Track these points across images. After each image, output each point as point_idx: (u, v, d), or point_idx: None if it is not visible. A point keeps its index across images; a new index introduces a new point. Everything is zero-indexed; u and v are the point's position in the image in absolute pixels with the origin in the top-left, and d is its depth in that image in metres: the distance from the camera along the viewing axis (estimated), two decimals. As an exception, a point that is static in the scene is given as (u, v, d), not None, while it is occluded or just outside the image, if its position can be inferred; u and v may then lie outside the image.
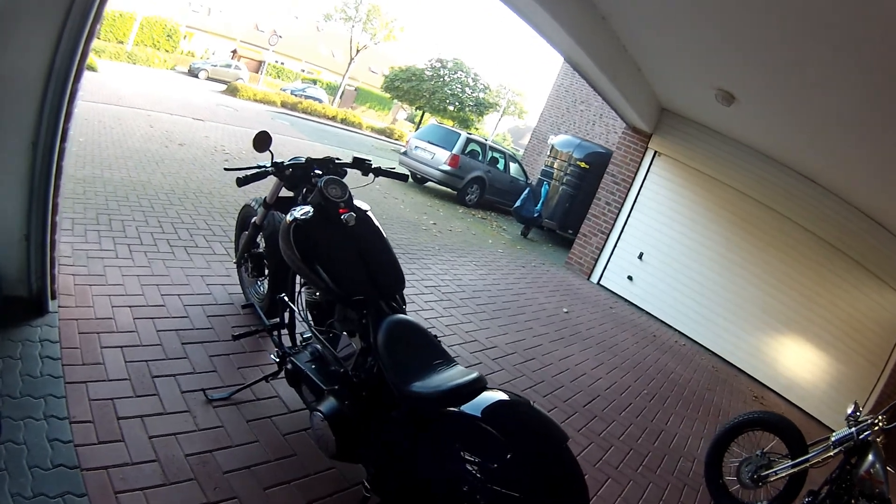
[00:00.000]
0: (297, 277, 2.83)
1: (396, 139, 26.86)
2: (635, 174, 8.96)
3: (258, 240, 3.47)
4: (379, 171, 3.13)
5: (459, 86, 29.95)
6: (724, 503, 3.74)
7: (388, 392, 2.12)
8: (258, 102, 21.24)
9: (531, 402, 2.02)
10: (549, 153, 12.37)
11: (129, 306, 3.25)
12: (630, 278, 8.88)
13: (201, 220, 5.18)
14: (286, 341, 2.86)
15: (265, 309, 3.39)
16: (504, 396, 2.00)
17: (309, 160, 2.92)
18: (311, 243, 2.43)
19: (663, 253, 8.67)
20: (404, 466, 2.08)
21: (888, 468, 3.16)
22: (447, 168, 12.17)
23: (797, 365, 7.84)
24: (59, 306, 3.02)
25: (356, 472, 2.53)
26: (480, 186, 12.84)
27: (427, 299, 5.30)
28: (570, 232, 11.48)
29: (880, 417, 3.19)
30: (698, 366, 7.11)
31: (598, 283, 9.21)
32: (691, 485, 3.90)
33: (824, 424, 7.27)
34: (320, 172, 2.83)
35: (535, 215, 11.30)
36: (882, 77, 3.92)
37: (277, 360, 2.70)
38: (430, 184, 13.37)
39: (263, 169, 2.88)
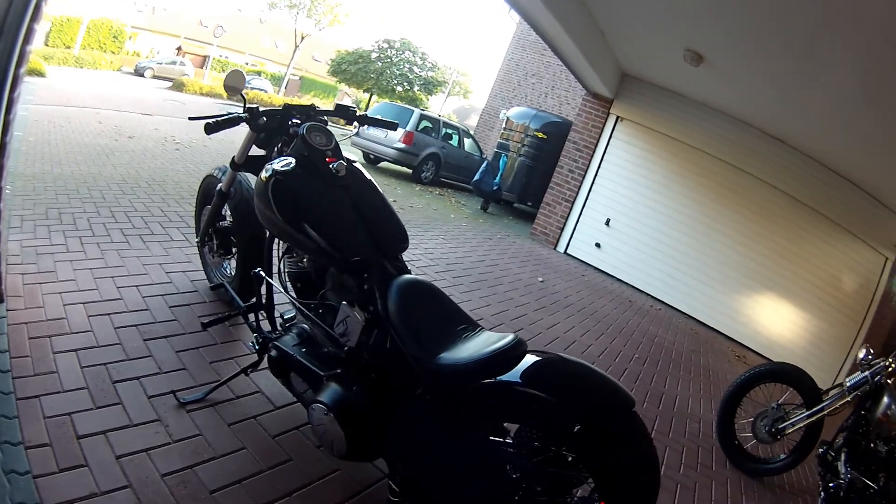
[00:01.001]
0: (276, 247, 2.36)
1: (343, 125, 25.93)
2: (598, 140, 8.68)
3: (224, 211, 2.96)
4: (365, 119, 2.68)
5: (408, 65, 29.10)
6: (740, 461, 3.55)
7: (403, 369, 1.74)
8: (205, 96, 20.73)
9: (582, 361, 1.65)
10: (504, 126, 12.00)
11: (83, 303, 2.72)
12: (598, 245, 8.64)
13: (155, 207, 4.62)
14: (264, 326, 2.41)
15: (235, 292, 2.91)
16: (552, 357, 1.64)
17: (287, 107, 2.43)
18: (295, 200, 1.99)
19: (631, 218, 8.44)
20: (438, 460, 1.69)
21: None
22: (402, 146, 11.64)
23: (776, 324, 7.80)
24: (7, 310, 2.48)
25: (365, 471, 2.14)
26: (436, 163, 12.37)
27: (403, 275, 4.89)
28: (529, 204, 11.23)
29: (891, 360, 3.07)
30: (678, 329, 6.96)
31: (565, 252, 8.93)
32: (704, 446, 3.69)
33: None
34: (298, 121, 2.35)
35: (495, 189, 10.95)
36: (861, 34, 3.84)
37: (257, 347, 2.25)
38: (384, 163, 12.79)
39: (236, 115, 2.38)
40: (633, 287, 8.24)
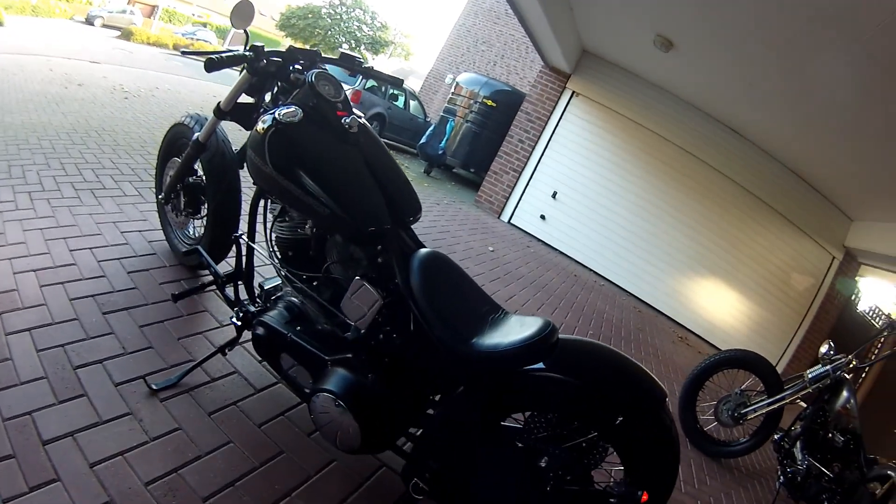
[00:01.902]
0: (261, 209, 2.04)
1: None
2: (551, 113, 8.48)
3: (195, 165, 2.56)
4: (370, 72, 2.34)
5: (357, 23, 28.34)
6: (700, 443, 3.62)
7: (425, 354, 1.58)
8: (152, 45, 19.67)
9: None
10: (453, 90, 11.62)
11: (34, 270, 2.29)
12: (543, 217, 8.55)
13: (106, 158, 4.10)
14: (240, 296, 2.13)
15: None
16: (587, 344, 1.56)
17: (291, 50, 2.07)
18: (302, 156, 1.72)
19: (579, 193, 8.38)
20: (470, 452, 1.55)
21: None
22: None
23: (719, 309, 7.98)
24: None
25: (362, 460, 1.92)
26: (380, 123, 11.84)
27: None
28: (472, 170, 11.04)
29: (851, 356, 3.23)
30: (622, 306, 7.02)
31: (508, 221, 8.79)
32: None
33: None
34: (301, 67, 2.02)
35: (440, 153, 10.66)
36: (839, 38, 3.85)
37: (238, 323, 1.94)
38: None
39: (239, 53, 2.00)
40: (575, 261, 8.23)
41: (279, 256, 1.95)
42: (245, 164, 2.41)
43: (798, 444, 3.21)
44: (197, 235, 2.74)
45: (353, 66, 2.26)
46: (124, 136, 4.86)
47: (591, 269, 8.18)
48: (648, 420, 1.43)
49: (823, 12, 3.67)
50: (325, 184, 1.65)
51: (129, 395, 1.79)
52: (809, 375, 3.26)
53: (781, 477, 3.21)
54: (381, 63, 30.56)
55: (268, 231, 1.99)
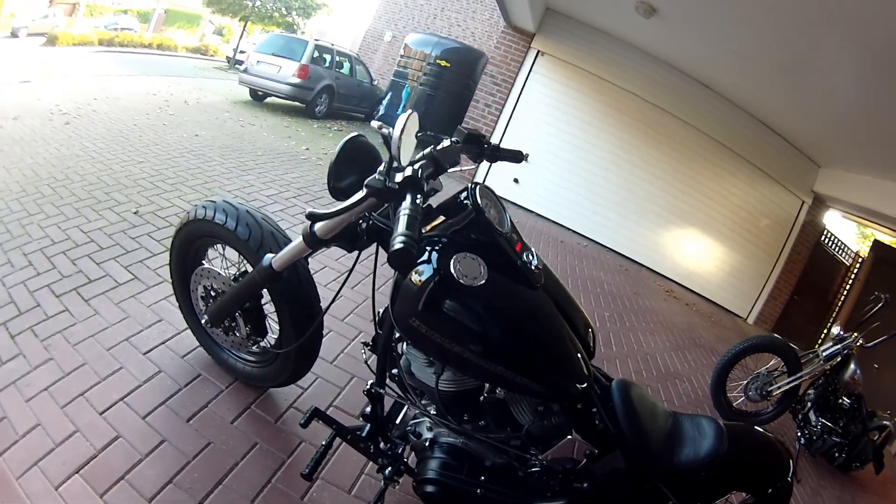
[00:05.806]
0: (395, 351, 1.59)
1: (212, 56, 23.75)
2: (517, 74, 7.92)
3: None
4: (498, 152, 1.69)
5: (287, -11, 24.63)
6: (732, 417, 3.89)
7: (633, 487, 1.40)
8: (79, 45, 17.32)
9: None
10: (402, 53, 10.65)
11: (72, 478, 1.62)
12: (516, 181, 8.15)
13: (73, 227, 3.12)
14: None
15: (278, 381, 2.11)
16: (737, 428, 1.51)
17: (433, 155, 1.42)
18: (486, 321, 1.26)
19: (551, 153, 7.98)
20: None
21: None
22: (296, 81, 9.97)
23: (696, 256, 8.01)
24: None
25: None
26: (329, 95, 10.80)
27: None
28: (430, 134, 10.36)
29: (856, 335, 3.72)
30: (611, 268, 6.84)
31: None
32: (702, 407, 3.97)
33: (726, 309, 7.82)
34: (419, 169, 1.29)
35: (398, 121, 9.90)
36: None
37: (398, 483, 1.61)
38: (270, 99, 10.83)
39: (390, 188, 1.24)
40: (554, 222, 7.95)
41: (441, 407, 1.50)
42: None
43: (812, 408, 3.74)
44: (259, 349, 2.15)
45: (481, 147, 1.66)
46: (82, 184, 3.82)
47: (570, 230, 7.94)
48: (787, 486, 1.48)
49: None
50: (531, 354, 1.29)
51: None
52: (823, 354, 3.70)
53: (802, 438, 3.74)
54: (309, 25, 27.38)
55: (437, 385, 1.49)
